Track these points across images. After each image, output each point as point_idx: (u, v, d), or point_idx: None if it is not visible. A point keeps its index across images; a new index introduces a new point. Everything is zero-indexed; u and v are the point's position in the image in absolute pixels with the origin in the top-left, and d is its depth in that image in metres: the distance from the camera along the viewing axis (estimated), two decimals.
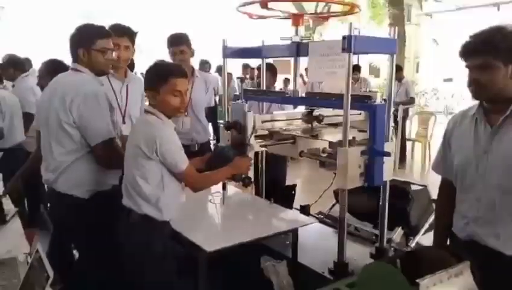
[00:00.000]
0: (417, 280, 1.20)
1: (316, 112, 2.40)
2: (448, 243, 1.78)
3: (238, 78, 4.08)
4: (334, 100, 2.08)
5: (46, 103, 2.15)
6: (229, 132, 2.28)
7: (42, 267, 1.41)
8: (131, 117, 2.59)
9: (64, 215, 2.15)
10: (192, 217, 2.14)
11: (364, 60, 12.57)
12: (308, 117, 2.42)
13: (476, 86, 1.52)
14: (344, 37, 1.75)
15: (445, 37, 15.11)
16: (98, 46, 2.13)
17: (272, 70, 3.53)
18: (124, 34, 2.57)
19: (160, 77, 1.88)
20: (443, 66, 14.91)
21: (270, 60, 3.53)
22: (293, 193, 3.20)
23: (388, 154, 1.91)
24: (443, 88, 15.04)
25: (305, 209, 2.64)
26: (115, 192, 2.06)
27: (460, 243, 1.63)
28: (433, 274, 1.24)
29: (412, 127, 7.81)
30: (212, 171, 2.01)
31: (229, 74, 8.66)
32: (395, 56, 2.00)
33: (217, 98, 4.50)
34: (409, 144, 7.34)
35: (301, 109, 2.55)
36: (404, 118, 6.66)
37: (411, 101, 6.88)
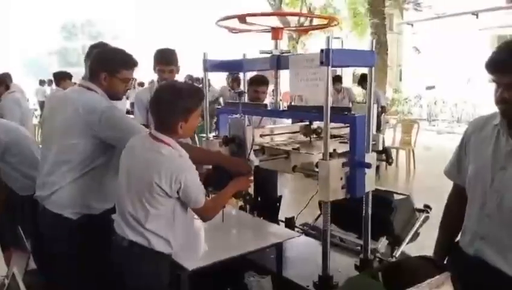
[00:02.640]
0: None
1: (314, 125, 2.40)
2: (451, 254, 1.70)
3: (236, 92, 4.05)
4: (314, 112, 2.09)
5: (52, 120, 2.18)
6: (227, 147, 2.27)
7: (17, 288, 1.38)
8: None
9: (55, 235, 2.14)
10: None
11: (350, 69, 12.74)
12: (306, 130, 2.42)
13: (505, 105, 1.41)
14: (322, 51, 1.77)
15: (426, 45, 15.40)
16: (122, 75, 2.16)
17: (264, 82, 3.52)
18: (172, 63, 2.94)
19: (195, 102, 1.80)
20: (425, 74, 15.17)
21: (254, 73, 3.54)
22: (278, 204, 3.20)
23: (369, 165, 1.92)
24: (426, 95, 15.28)
25: (290, 222, 2.63)
26: (104, 217, 2.03)
27: (467, 259, 1.56)
28: (413, 286, 1.25)
29: (396, 135, 7.91)
30: (217, 196, 1.96)
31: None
32: (373, 69, 2.01)
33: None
34: (392, 152, 7.38)
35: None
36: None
37: (382, 110, 6.99)
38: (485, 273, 1.47)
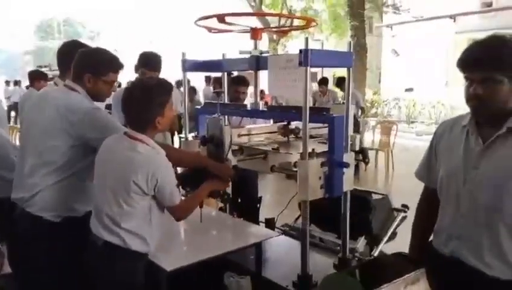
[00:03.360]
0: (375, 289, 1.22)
1: (292, 125, 2.40)
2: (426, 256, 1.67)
3: (214, 92, 4.02)
4: (294, 113, 2.10)
5: (31, 119, 2.12)
6: (205, 146, 2.25)
7: None
8: None
9: (34, 237, 2.07)
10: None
11: (330, 71, 12.85)
12: (285, 130, 2.42)
13: (477, 101, 1.41)
14: (301, 51, 1.78)
15: (405, 48, 15.67)
16: (108, 78, 2.11)
17: (244, 82, 3.52)
18: (157, 69, 2.99)
19: (164, 95, 1.79)
20: (404, 76, 15.42)
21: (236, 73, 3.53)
22: (258, 205, 3.20)
23: (347, 165, 1.93)
24: (404, 97, 15.53)
25: (270, 223, 2.64)
26: (86, 219, 1.99)
27: (443, 259, 1.56)
28: (389, 283, 1.26)
29: (375, 137, 8.02)
30: (192, 196, 1.95)
31: (192, 88, 8.61)
32: (351, 69, 2.03)
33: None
34: (372, 153, 7.51)
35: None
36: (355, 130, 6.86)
37: (362, 111, 7.11)
38: (461, 273, 1.49)
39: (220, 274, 2.03)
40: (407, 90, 15.29)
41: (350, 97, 2.04)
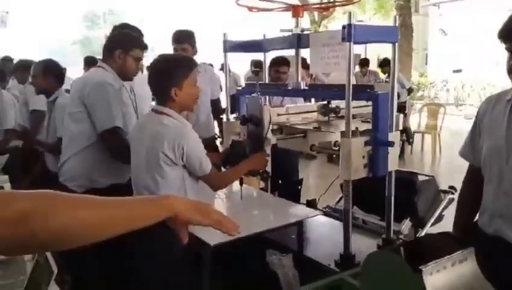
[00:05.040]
0: (420, 267, 1.19)
1: (332, 104, 2.37)
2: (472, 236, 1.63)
3: (253, 71, 4.02)
4: (336, 91, 2.06)
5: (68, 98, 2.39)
6: (244, 126, 2.28)
7: (47, 263, 1.42)
8: None
9: None
10: None
11: (374, 54, 12.49)
12: (325, 109, 2.39)
13: None
14: (344, 27, 1.73)
15: (453, 27, 14.93)
16: (135, 53, 2.29)
17: (285, 62, 3.49)
18: (183, 41, 3.00)
19: (182, 70, 1.84)
20: (452, 57, 14.72)
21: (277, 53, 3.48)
22: (299, 187, 3.19)
23: (392, 144, 1.88)
24: (453, 79, 14.85)
25: (311, 204, 2.63)
26: (111, 192, 2.08)
27: (487, 238, 1.53)
28: (436, 261, 1.23)
29: (422, 120, 7.75)
30: (231, 169, 2.02)
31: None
32: (397, 45, 1.96)
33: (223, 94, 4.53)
34: (418, 136, 7.27)
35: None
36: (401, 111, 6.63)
37: (409, 91, 6.87)
38: (506, 252, 1.44)
39: (262, 252, 2.05)
40: (455, 71, 14.61)
41: (395, 75, 1.98)
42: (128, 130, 2.19)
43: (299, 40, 2.18)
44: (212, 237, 1.76)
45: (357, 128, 1.90)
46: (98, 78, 2.21)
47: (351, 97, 1.81)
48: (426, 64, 17.85)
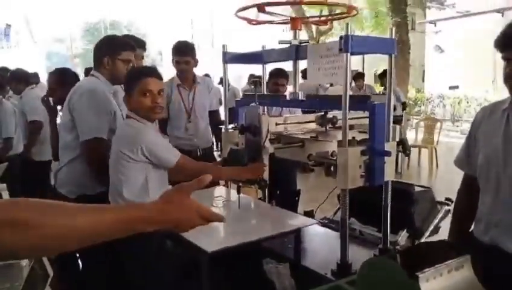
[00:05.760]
0: (416, 273, 1.19)
1: (329, 114, 2.39)
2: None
3: (252, 80, 4.04)
4: (333, 101, 2.08)
5: None
6: (243, 135, 2.30)
7: (42, 267, 1.42)
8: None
9: None
10: None
11: (372, 68, 12.57)
12: (322, 120, 2.41)
13: None
14: (341, 37, 1.77)
15: (450, 44, 15.10)
16: (123, 56, 2.30)
17: (283, 74, 3.53)
18: (186, 54, 3.08)
19: (131, 80, 1.99)
20: (449, 73, 14.85)
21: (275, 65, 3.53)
22: (297, 198, 3.20)
23: (389, 153, 1.90)
24: (449, 95, 14.97)
25: (309, 215, 2.62)
26: (101, 198, 2.10)
27: (482, 247, 1.52)
28: (432, 267, 1.23)
29: (418, 135, 7.79)
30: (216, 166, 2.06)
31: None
32: (393, 56, 1.99)
33: (222, 108, 4.55)
34: (415, 151, 7.30)
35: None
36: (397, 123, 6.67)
37: (403, 106, 6.93)
38: (502, 261, 1.44)
39: (259, 261, 2.05)
40: (451, 87, 14.73)
41: (392, 86, 2.01)
42: None
43: (297, 52, 2.21)
44: (209, 244, 1.76)
45: (354, 137, 1.92)
46: (85, 88, 2.23)
47: (348, 107, 1.83)
48: (423, 80, 18.00)
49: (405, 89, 11.35)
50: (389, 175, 2.00)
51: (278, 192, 3.06)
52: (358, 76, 7.59)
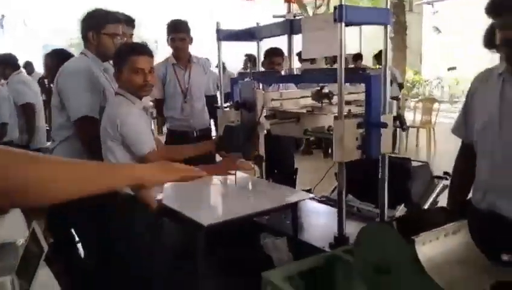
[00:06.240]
0: (412, 237, 1.18)
1: (325, 89, 2.36)
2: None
3: (246, 55, 3.97)
4: (329, 74, 2.06)
5: None
6: (238, 111, 2.28)
7: (38, 243, 1.41)
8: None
9: None
10: (190, 197, 2.09)
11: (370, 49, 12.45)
12: (318, 95, 2.38)
13: (507, 46, 1.37)
14: (335, 7, 1.74)
15: (447, 25, 14.98)
16: (107, 30, 2.23)
17: (279, 53, 3.48)
18: (181, 30, 2.99)
19: (121, 57, 1.95)
20: (447, 55, 14.77)
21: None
22: (294, 177, 3.20)
23: (385, 125, 1.88)
24: (447, 77, 14.90)
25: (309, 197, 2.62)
26: None
27: (480, 214, 1.53)
28: (429, 231, 1.22)
29: (416, 116, 7.78)
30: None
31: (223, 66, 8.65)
32: (389, 27, 1.96)
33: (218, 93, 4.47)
34: (413, 132, 7.30)
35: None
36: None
37: (400, 87, 6.90)
38: (500, 226, 1.44)
39: (257, 237, 2.04)
40: (449, 69, 14.65)
41: (386, 58, 1.98)
42: None
43: (291, 26, 2.18)
44: (205, 218, 1.75)
45: (349, 110, 1.90)
46: (70, 68, 2.20)
47: (343, 79, 1.81)
48: (421, 62, 17.91)
49: (402, 71, 11.29)
50: (386, 148, 1.98)
51: (275, 171, 3.05)
52: (357, 57, 7.54)
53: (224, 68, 8.84)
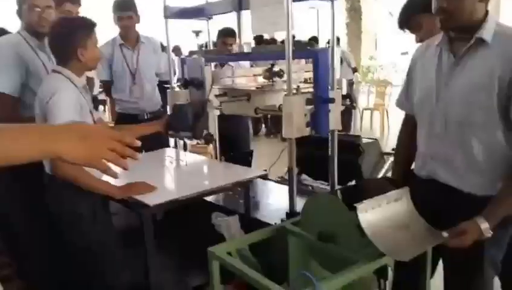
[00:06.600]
0: (355, 204, 1.20)
1: (276, 67, 2.34)
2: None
3: (193, 31, 3.85)
4: (278, 51, 2.04)
5: None
6: (187, 89, 2.21)
7: None
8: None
9: None
10: (138, 179, 2.02)
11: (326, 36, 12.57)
12: (269, 73, 2.36)
13: (443, 15, 1.40)
14: None
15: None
16: (27, 2, 2.11)
17: (232, 33, 3.42)
18: (129, 8, 2.92)
19: None
20: (401, 39, 15.14)
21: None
22: (250, 158, 3.18)
23: (332, 100, 1.89)
24: (401, 61, 15.32)
25: (262, 175, 2.62)
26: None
27: (421, 181, 1.57)
28: (371, 199, 1.25)
29: (370, 98, 7.97)
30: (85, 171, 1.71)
31: (177, 47, 8.47)
32: (334, 2, 1.96)
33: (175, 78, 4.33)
34: (367, 114, 7.47)
35: None
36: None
37: (354, 70, 7.03)
38: (439, 192, 1.49)
39: (209, 216, 2.02)
40: (403, 53, 15.07)
41: (334, 34, 1.99)
42: None
43: (240, 2, 2.14)
44: (152, 199, 1.71)
45: (298, 86, 1.90)
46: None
47: (291, 55, 1.79)
48: (376, 48, 18.30)
49: (358, 56, 11.52)
50: (335, 124, 2.00)
51: (231, 154, 3.03)
52: (312, 40, 7.59)
53: (179, 50, 8.69)
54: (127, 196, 1.74)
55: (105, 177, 1.37)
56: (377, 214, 1.23)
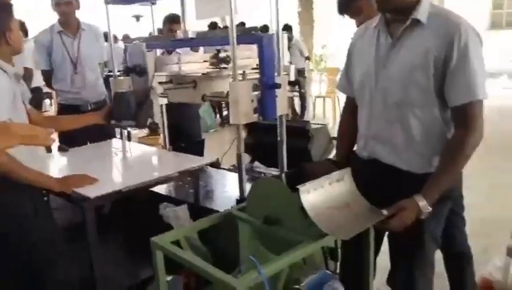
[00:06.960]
0: (297, 186, 1.20)
1: (222, 54, 2.29)
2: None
3: (134, 16, 3.67)
4: (223, 36, 2.01)
5: None
6: (128, 77, 2.13)
7: None
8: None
9: None
10: (80, 171, 1.92)
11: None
12: (216, 59, 2.31)
13: None
14: None
15: None
16: None
17: (178, 20, 3.32)
18: None
19: None
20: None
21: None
22: (202, 148, 3.14)
23: (278, 86, 1.89)
24: None
25: (214, 164, 2.59)
26: None
27: (363, 162, 1.59)
28: (313, 180, 1.25)
29: (322, 86, 8.10)
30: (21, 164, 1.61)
31: (127, 35, 8.21)
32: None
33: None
34: (320, 101, 7.60)
35: None
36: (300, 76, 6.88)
37: (306, 58, 7.14)
38: (379, 172, 1.52)
39: (157, 207, 1.97)
40: None
41: (278, 18, 1.98)
42: None
43: None
44: (93, 191, 1.64)
45: (244, 71, 1.88)
46: None
47: (235, 40, 1.77)
48: (328, 35, 18.57)
49: (310, 45, 11.62)
50: (282, 109, 2.00)
51: (182, 145, 2.97)
52: (265, 29, 7.59)
53: (128, 38, 8.39)
54: (66, 188, 1.66)
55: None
56: (320, 195, 1.24)
